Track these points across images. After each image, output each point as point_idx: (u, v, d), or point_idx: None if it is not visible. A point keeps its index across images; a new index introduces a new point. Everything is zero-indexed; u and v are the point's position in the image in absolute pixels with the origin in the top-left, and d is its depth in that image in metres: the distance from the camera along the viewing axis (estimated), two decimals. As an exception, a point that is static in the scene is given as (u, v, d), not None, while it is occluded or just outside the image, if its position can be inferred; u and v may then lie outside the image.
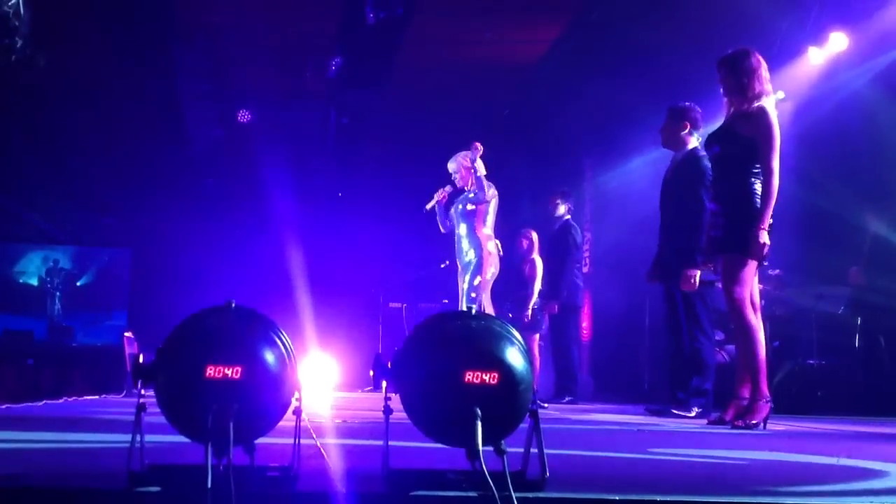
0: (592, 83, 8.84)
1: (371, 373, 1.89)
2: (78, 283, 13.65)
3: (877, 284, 6.89)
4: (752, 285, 4.61)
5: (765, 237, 4.45)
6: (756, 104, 4.61)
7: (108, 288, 13.33)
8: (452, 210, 6.81)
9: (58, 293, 13.46)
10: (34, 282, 13.63)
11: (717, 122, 4.99)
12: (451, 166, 6.83)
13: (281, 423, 1.91)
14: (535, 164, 11.97)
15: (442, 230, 6.85)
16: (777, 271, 7.66)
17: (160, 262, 11.97)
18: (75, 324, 13.22)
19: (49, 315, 13.42)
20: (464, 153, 6.86)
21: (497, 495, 1.63)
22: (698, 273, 5.37)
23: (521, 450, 1.90)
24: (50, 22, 7.65)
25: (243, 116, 11.18)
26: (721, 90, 4.80)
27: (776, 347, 7.25)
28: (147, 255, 12.18)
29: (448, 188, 6.84)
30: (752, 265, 4.56)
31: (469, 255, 6.58)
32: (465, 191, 6.75)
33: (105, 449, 2.76)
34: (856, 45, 7.39)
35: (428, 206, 6.88)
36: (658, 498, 1.80)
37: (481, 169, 6.80)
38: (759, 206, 4.48)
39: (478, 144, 6.90)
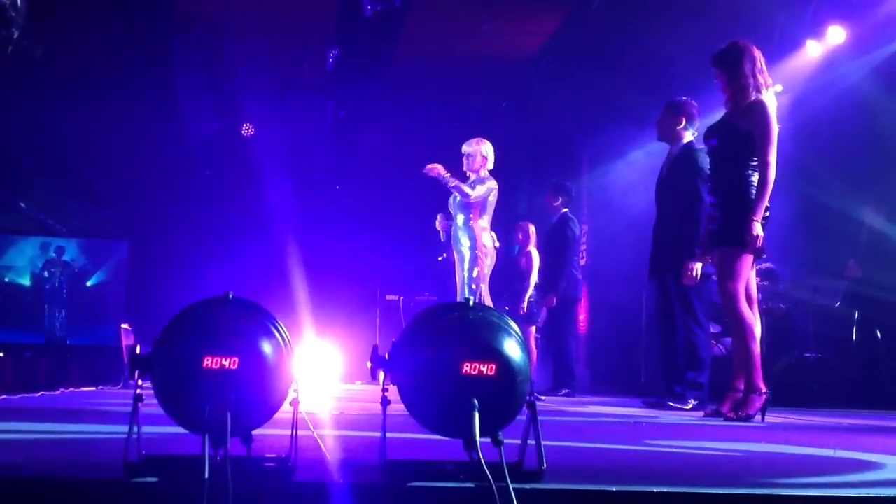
0: (590, 76, 8.83)
1: (368, 364, 1.89)
2: (88, 283, 11.57)
3: (873, 278, 6.89)
4: (747, 279, 4.60)
5: (758, 229, 4.45)
6: (754, 97, 4.61)
7: (107, 283, 11.75)
8: (451, 200, 6.77)
9: (63, 293, 11.42)
10: (26, 281, 11.32)
11: (715, 116, 4.99)
12: (467, 149, 6.73)
13: (278, 415, 1.91)
14: (533, 157, 11.97)
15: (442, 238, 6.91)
16: (772, 265, 7.66)
17: (158, 254, 11.94)
18: (85, 339, 11.03)
19: (48, 327, 11.23)
20: (480, 140, 6.76)
21: (494, 486, 1.63)
22: (698, 266, 5.36)
23: (519, 441, 1.90)
24: (47, 13, 7.62)
25: (247, 130, 11.17)
26: (719, 85, 4.79)
27: (773, 341, 7.26)
28: (144, 247, 12.15)
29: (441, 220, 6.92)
30: (748, 259, 4.56)
31: (465, 247, 6.57)
32: (468, 177, 6.70)
33: (102, 440, 2.75)
34: (854, 39, 7.40)
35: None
36: (654, 489, 1.80)
37: (490, 162, 6.73)
38: (754, 198, 4.48)
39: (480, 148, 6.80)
